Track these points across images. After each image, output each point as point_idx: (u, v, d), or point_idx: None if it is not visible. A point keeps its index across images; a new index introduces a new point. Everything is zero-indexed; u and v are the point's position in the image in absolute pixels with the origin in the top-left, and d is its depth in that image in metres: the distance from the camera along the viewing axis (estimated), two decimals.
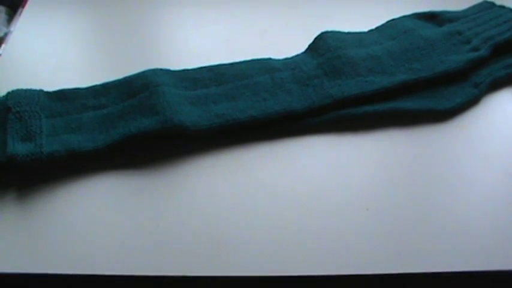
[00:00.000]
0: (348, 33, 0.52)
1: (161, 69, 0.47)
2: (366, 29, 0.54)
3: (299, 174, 0.41)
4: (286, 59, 0.50)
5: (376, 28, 0.54)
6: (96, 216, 0.38)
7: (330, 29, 0.52)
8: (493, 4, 0.56)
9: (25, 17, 0.58)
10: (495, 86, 0.50)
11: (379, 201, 0.40)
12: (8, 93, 0.43)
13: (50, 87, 0.45)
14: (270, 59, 0.49)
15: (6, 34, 0.57)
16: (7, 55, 0.52)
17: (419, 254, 0.36)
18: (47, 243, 0.36)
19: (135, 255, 0.36)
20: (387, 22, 0.55)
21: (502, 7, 0.55)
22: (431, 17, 0.55)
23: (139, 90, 0.44)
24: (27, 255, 0.36)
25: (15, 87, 0.44)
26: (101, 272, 0.35)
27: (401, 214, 0.39)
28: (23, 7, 0.59)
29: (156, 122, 0.41)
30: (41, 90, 0.45)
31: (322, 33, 0.51)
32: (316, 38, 0.51)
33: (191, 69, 0.48)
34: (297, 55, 0.51)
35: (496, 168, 0.42)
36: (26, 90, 0.44)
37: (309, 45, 0.51)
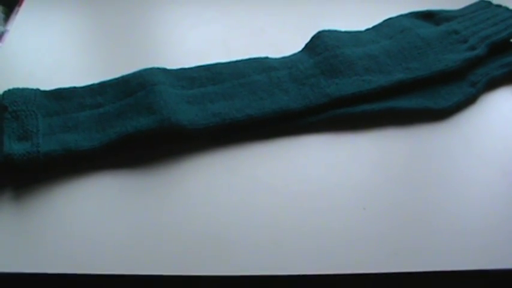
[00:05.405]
0: (345, 32, 0.52)
1: (158, 68, 0.47)
2: (363, 28, 0.54)
3: (296, 174, 0.41)
4: (283, 58, 0.50)
5: (373, 27, 0.54)
6: (93, 215, 0.38)
7: (327, 28, 0.52)
8: (490, 3, 0.56)
9: (21, 16, 0.57)
10: (492, 85, 0.50)
11: (376, 200, 0.40)
12: (4, 92, 0.43)
13: (47, 86, 0.45)
14: (267, 58, 0.49)
15: (2, 33, 0.56)
16: (3, 54, 0.52)
17: (416, 253, 0.36)
18: (43, 242, 0.36)
19: (133, 254, 0.36)
20: (384, 21, 0.55)
21: (499, 6, 0.55)
22: (428, 16, 0.55)
23: (136, 89, 0.44)
24: (24, 254, 0.36)
25: (11, 86, 0.44)
26: (98, 271, 0.35)
27: (398, 213, 0.39)
28: (20, 6, 0.59)
29: (153, 121, 0.41)
30: (38, 89, 0.45)
31: (319, 32, 0.51)
32: (313, 37, 0.51)
33: (188, 68, 0.48)
34: (294, 54, 0.51)
35: (493, 167, 0.42)
36: (22, 89, 0.44)
37: (306, 44, 0.51)
